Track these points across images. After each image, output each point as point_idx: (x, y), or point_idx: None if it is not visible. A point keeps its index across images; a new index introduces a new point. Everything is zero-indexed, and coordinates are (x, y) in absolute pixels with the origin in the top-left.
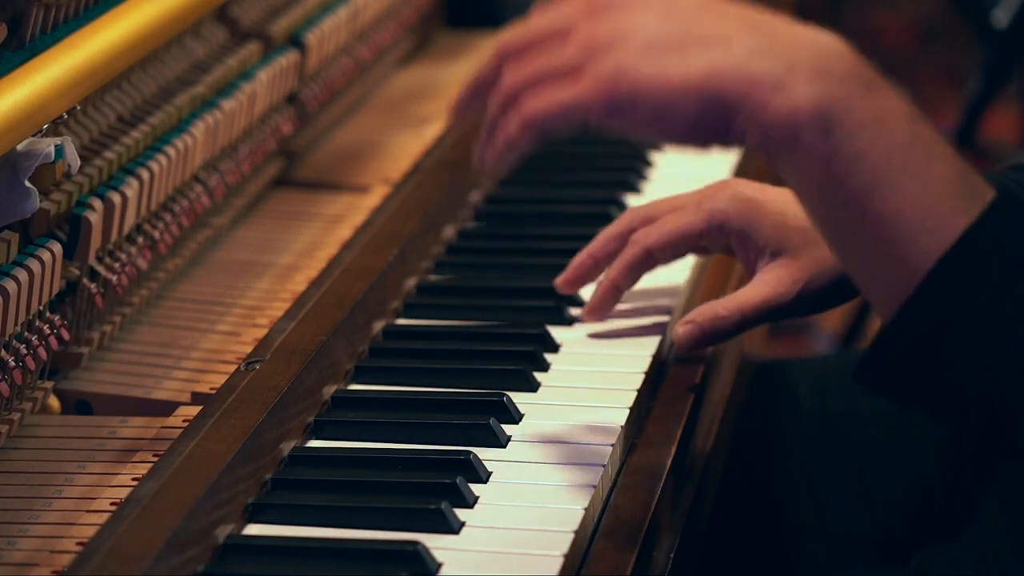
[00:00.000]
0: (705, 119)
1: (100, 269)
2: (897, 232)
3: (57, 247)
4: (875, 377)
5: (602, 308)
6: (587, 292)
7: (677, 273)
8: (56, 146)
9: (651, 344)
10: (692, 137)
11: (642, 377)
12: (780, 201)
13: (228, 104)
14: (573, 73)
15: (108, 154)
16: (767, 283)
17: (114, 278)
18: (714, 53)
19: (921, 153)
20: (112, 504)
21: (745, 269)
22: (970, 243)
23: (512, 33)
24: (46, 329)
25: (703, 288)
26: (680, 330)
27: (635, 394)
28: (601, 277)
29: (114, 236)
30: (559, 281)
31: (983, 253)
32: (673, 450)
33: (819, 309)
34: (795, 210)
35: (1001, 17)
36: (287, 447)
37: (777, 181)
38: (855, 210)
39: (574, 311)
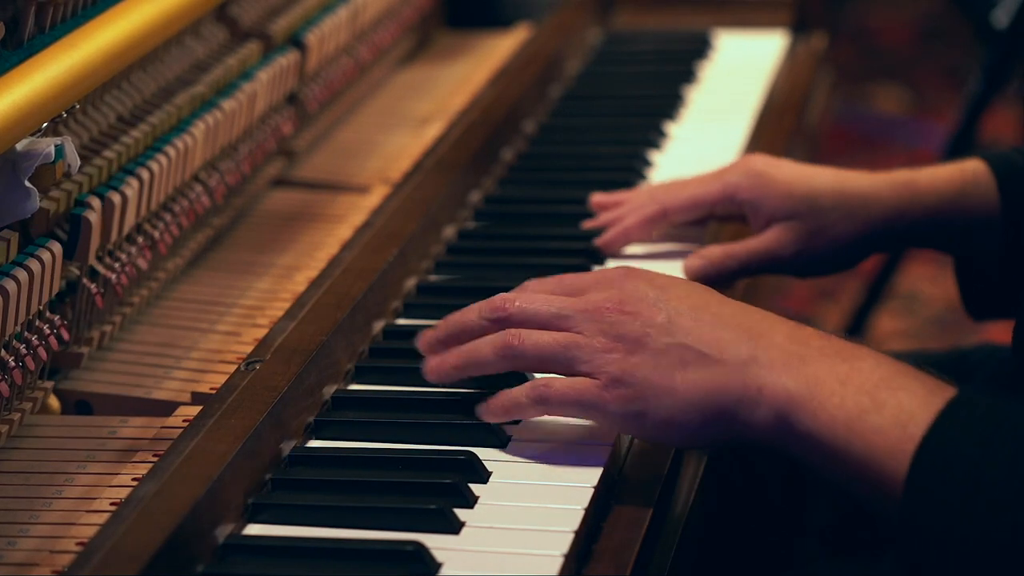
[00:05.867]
0: (709, 425)
1: (100, 269)
2: (875, 469)
3: (57, 247)
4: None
5: (611, 246)
6: None
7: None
8: (56, 146)
9: None
10: (697, 441)
11: None
12: (789, 174)
13: (228, 104)
14: (589, 369)
15: (108, 154)
16: (771, 237)
17: (114, 278)
18: (707, 371)
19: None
20: (112, 504)
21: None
22: (929, 449)
23: (510, 304)
24: (46, 329)
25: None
26: (692, 262)
27: None
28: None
29: (114, 236)
30: (594, 198)
31: (945, 453)
32: None
33: (817, 272)
34: (802, 182)
35: (1001, 17)
36: (287, 447)
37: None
38: (840, 463)
39: None
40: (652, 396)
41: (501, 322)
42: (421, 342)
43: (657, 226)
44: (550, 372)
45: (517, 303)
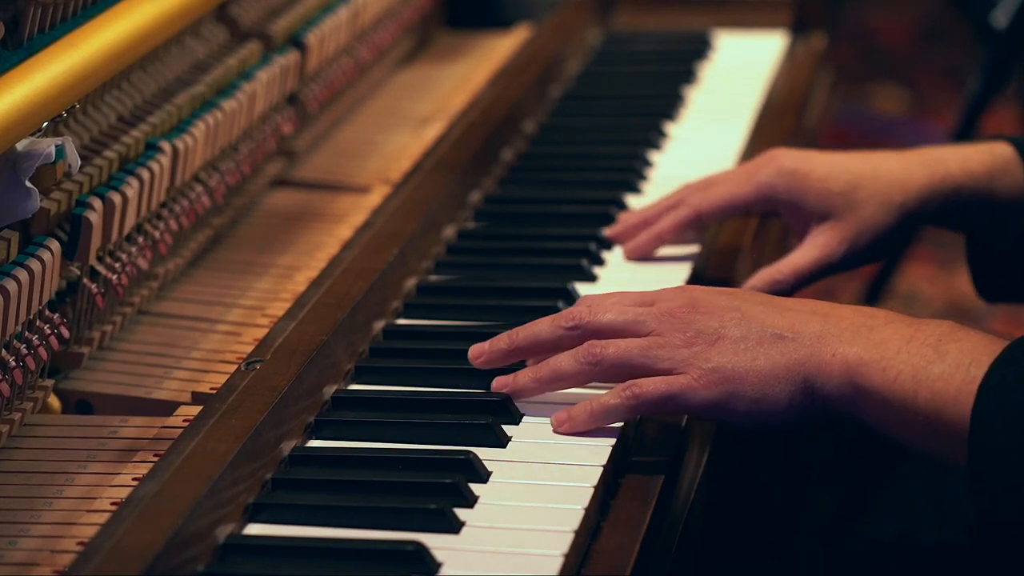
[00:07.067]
0: (797, 399)
1: (100, 269)
2: (943, 417)
3: (56, 245)
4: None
5: (640, 251)
6: (591, 291)
7: None
8: (57, 146)
9: None
10: (787, 416)
11: None
12: (823, 169)
13: (228, 104)
14: (672, 366)
15: (108, 154)
16: (817, 245)
17: (114, 278)
18: (786, 346)
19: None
20: (112, 504)
21: (794, 233)
22: (992, 387)
23: (591, 315)
24: (47, 329)
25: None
26: None
27: None
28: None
29: (114, 236)
30: (608, 231)
31: (1008, 388)
32: None
33: (865, 263)
34: (837, 176)
35: (1001, 17)
36: (287, 447)
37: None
38: (909, 418)
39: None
40: (739, 378)
41: (577, 331)
42: (481, 359)
43: (690, 229)
44: (632, 377)
45: (593, 314)
